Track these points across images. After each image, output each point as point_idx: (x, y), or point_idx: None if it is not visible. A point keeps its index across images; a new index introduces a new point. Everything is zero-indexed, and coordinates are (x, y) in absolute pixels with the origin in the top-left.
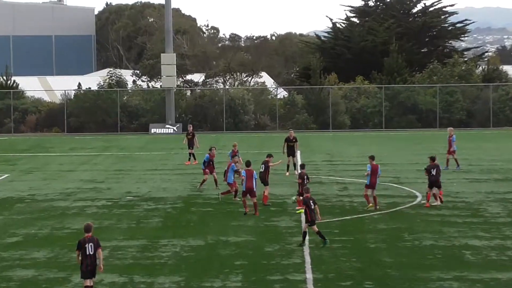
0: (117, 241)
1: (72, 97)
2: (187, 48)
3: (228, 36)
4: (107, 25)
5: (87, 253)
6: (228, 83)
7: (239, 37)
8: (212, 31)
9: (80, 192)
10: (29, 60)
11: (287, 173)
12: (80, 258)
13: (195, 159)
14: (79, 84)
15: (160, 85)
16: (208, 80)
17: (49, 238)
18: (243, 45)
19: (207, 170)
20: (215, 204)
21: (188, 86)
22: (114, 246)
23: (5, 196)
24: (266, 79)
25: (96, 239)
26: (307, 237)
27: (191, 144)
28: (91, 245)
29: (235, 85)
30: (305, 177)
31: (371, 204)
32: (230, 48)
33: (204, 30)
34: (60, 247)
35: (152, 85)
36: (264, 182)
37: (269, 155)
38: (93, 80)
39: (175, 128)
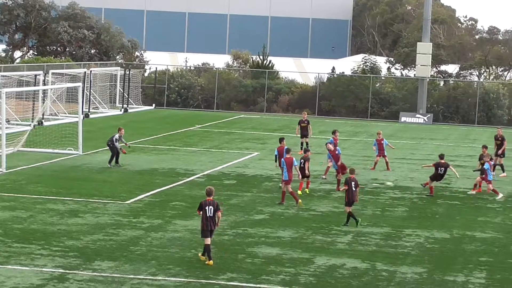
0: (361, 227)
1: (325, 81)
2: (443, 39)
3: (486, 29)
4: (364, 11)
5: (207, 214)
6: (483, 76)
7: (498, 30)
8: (470, 22)
9: (329, 175)
10: (284, 41)
11: None
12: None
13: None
14: (333, 68)
15: (414, 74)
16: (462, 72)
17: (294, 219)
18: (501, 38)
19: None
20: (463, 197)
21: (441, 76)
22: (358, 232)
23: (254, 173)
24: None
25: (216, 203)
26: None
27: (304, 133)
28: (210, 208)
29: (490, 79)
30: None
31: None
32: (488, 40)
33: (462, 21)
34: (305, 228)
35: (406, 74)
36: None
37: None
38: (347, 65)
39: (425, 118)
